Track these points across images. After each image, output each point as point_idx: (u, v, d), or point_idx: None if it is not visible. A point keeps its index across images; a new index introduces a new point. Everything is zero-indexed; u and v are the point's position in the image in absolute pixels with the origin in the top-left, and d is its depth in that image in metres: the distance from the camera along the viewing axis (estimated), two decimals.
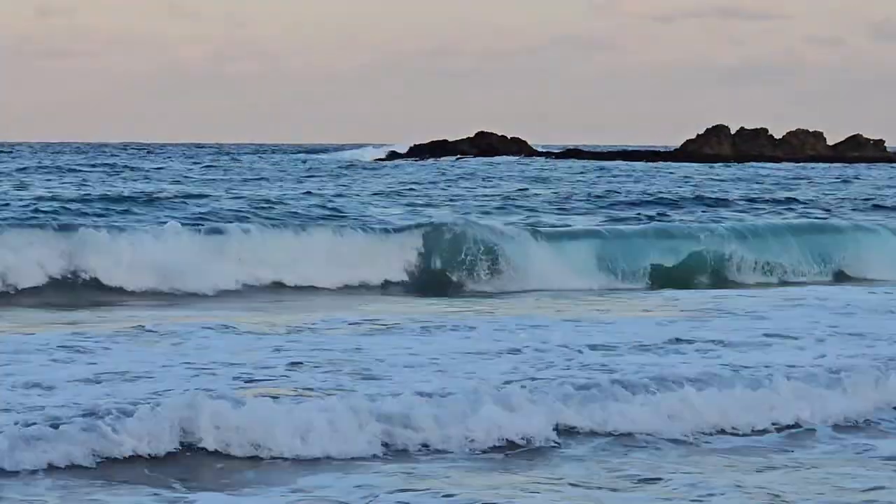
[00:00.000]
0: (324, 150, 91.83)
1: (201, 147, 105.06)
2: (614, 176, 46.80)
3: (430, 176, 44.91)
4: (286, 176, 43.27)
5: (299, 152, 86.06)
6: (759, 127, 75.90)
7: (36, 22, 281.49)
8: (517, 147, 76.46)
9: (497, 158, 67.86)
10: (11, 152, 73.23)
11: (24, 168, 44.03)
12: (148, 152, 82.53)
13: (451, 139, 77.04)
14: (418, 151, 74.13)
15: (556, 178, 44.27)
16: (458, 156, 70.92)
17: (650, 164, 64.51)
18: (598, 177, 46.00)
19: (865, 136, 75.23)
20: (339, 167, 55.09)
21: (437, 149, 74.95)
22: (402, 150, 74.29)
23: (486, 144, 76.23)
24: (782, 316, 11.14)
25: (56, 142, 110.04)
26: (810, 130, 75.77)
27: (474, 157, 70.26)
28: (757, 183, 42.06)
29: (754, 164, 64.79)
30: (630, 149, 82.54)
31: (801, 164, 66.09)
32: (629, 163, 65.73)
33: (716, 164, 62.51)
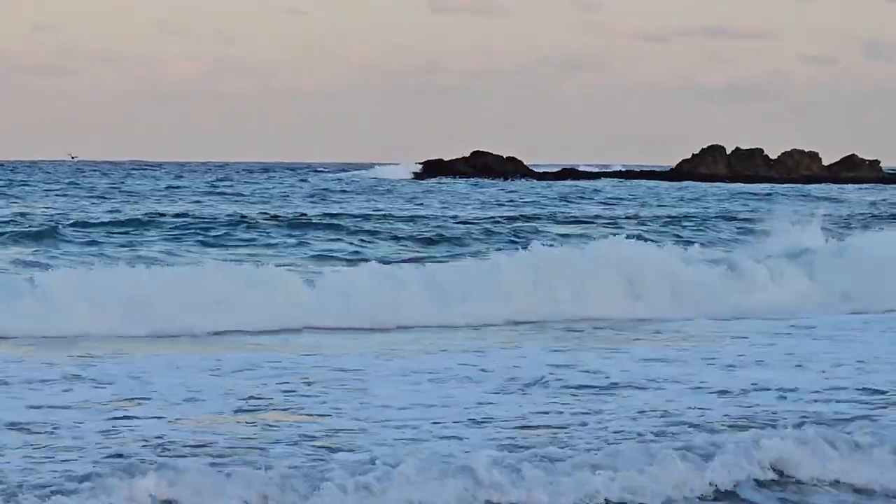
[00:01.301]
0: (312, 169, 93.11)
1: (185, 164, 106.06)
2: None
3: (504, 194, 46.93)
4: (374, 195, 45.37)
5: (294, 170, 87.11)
6: (754, 147, 76.02)
7: (26, 38, 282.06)
8: (513, 167, 76.37)
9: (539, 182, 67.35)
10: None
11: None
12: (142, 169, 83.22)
13: (445, 158, 77.14)
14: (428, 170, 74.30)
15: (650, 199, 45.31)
16: (455, 175, 70.96)
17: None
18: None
19: (861, 156, 75.34)
20: (393, 185, 57.33)
21: (433, 168, 74.99)
22: (405, 169, 73.85)
23: (482, 164, 76.20)
24: None
25: (47, 160, 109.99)
26: (805, 151, 75.91)
27: (469, 176, 70.32)
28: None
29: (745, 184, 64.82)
30: (625, 168, 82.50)
31: (797, 184, 66.21)
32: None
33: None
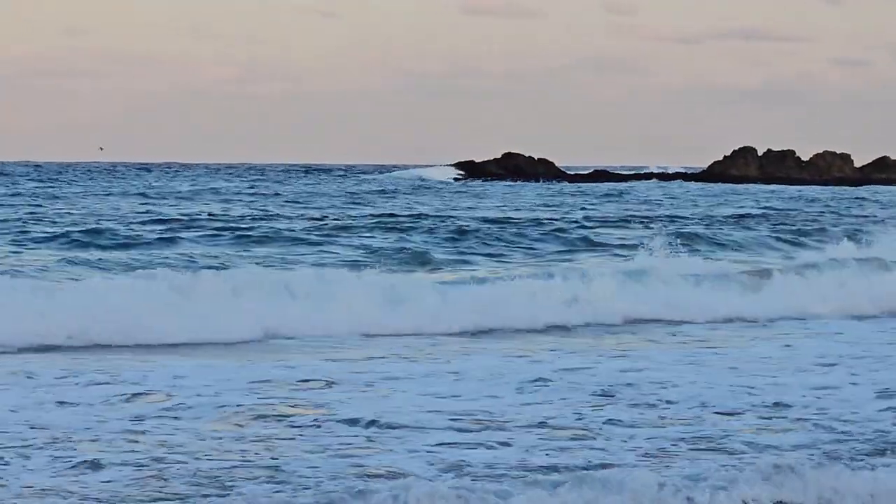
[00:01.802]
0: (349, 171, 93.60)
1: (217, 166, 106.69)
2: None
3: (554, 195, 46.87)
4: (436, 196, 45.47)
5: (328, 171, 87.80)
6: (786, 149, 75.96)
7: (59, 42, 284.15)
8: (544, 168, 76.63)
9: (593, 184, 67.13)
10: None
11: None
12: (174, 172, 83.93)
13: (476, 160, 77.46)
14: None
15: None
16: (488, 177, 71.26)
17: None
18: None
19: (893, 157, 75.17)
20: (443, 186, 57.76)
21: (464, 169, 75.32)
22: (445, 172, 74.00)
23: (513, 165, 76.55)
24: None
25: (85, 161, 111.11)
26: (837, 153, 75.77)
27: (501, 178, 70.55)
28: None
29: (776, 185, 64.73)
30: (657, 171, 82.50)
31: (829, 186, 66.03)
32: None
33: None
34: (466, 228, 23.58)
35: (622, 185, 63.33)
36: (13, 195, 38.07)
